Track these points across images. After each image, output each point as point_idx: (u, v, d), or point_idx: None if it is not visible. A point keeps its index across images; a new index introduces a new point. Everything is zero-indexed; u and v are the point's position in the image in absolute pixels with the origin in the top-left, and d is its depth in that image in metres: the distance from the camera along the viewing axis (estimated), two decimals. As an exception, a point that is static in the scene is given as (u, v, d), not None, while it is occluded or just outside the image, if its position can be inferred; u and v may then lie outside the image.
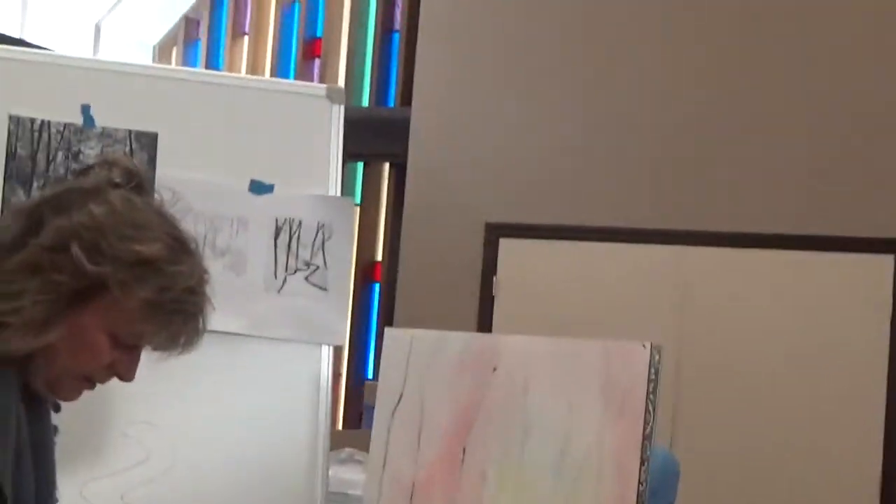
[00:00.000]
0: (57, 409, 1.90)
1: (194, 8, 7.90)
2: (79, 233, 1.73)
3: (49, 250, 1.73)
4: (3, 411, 1.73)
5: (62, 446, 1.96)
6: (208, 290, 1.83)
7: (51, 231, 1.74)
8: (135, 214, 1.78)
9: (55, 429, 1.92)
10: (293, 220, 3.11)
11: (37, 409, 1.83)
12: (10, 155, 2.91)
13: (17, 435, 1.75)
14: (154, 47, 7.86)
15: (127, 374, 1.83)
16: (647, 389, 2.35)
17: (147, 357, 1.86)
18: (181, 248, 1.81)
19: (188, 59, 7.82)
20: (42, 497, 1.84)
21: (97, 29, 7.76)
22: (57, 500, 1.92)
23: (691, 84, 5.69)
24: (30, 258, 1.73)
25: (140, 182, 1.84)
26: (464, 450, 2.56)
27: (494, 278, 5.84)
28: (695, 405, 5.37)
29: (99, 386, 1.85)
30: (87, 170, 1.87)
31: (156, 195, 1.89)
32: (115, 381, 1.86)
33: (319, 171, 3.19)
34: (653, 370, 2.35)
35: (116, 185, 1.81)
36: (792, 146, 5.49)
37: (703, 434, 5.34)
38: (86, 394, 1.86)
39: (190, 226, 1.91)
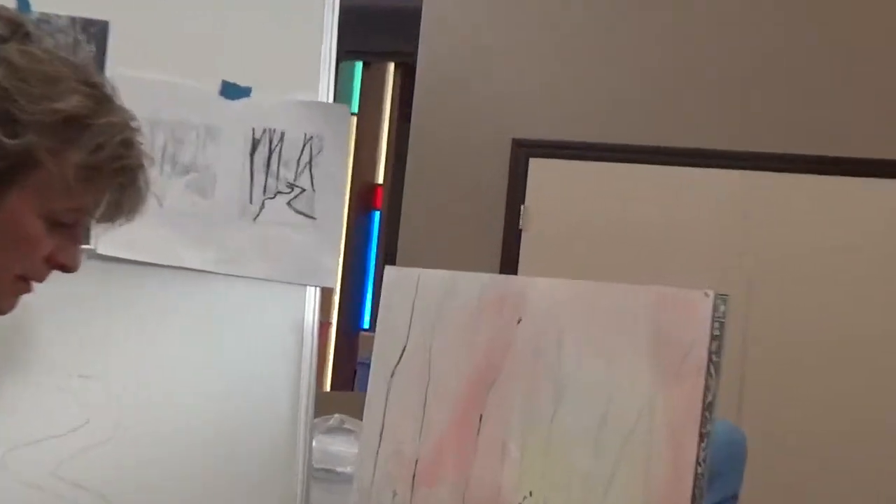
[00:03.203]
0: None
1: None
2: None
3: None
4: None
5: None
6: (141, 139, 1.85)
7: None
8: (40, 67, 1.76)
9: None
10: (274, 131, 3.10)
11: None
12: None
13: None
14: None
15: (72, 262, 1.85)
16: (709, 348, 2.32)
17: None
18: (102, 96, 1.82)
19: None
20: None
21: None
22: None
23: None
24: None
25: (27, 29, 1.82)
26: (480, 418, 2.55)
27: (522, 207, 5.83)
28: (766, 368, 5.36)
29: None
30: None
31: (49, 38, 1.86)
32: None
33: (308, 71, 3.17)
34: (716, 324, 2.32)
35: (3, 41, 1.78)
36: (873, 64, 5.48)
37: (775, 403, 5.34)
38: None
39: (147, 135, 1.89)
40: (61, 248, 1.82)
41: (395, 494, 2.66)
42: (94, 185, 1.79)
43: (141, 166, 1.84)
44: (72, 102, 1.75)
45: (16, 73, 1.73)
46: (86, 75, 1.82)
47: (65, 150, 1.75)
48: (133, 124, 1.83)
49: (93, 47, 2.99)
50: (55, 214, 1.79)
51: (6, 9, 1.87)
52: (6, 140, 1.71)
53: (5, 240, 1.77)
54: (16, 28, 1.80)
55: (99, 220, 1.85)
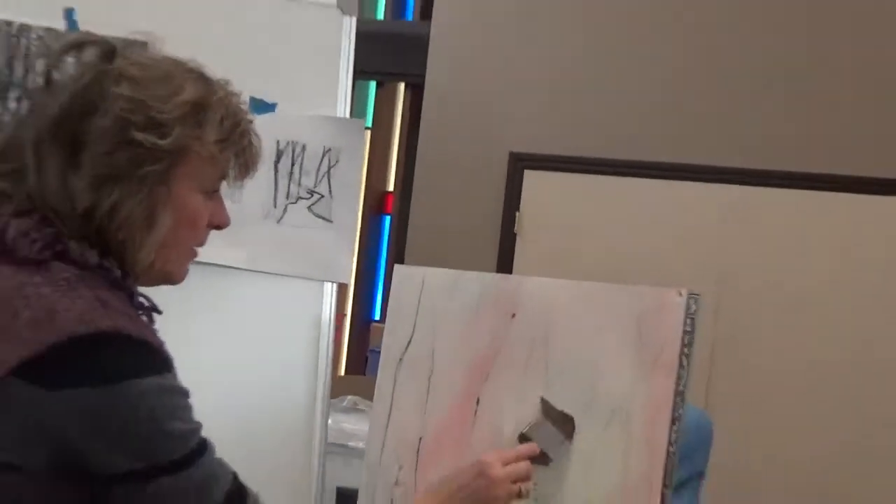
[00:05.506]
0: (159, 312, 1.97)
1: None
2: (128, 119, 1.78)
3: (115, 152, 1.78)
4: None
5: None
6: (239, 98, 1.93)
7: (99, 135, 1.78)
8: (151, 72, 1.84)
9: None
10: (296, 143, 3.10)
11: None
12: (-14, 62, 2.89)
13: None
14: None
15: (226, 220, 1.96)
16: (682, 342, 2.33)
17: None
18: (202, 74, 1.89)
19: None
20: None
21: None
22: None
23: (739, 8, 5.64)
24: (100, 170, 1.78)
25: (115, 46, 1.88)
26: (477, 402, 2.56)
27: (518, 214, 5.82)
28: (733, 361, 5.35)
29: None
30: (50, 74, 1.89)
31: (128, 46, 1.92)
32: None
33: (327, 89, 3.18)
34: (689, 320, 2.34)
35: (107, 60, 1.85)
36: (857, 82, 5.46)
37: (741, 394, 5.33)
38: None
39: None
40: (215, 212, 1.92)
41: (400, 468, 2.66)
42: (229, 151, 1.88)
43: (251, 122, 1.93)
44: (192, 89, 1.84)
45: (138, 83, 1.81)
46: (179, 61, 1.89)
47: (202, 132, 1.83)
48: (228, 87, 1.91)
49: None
50: (208, 186, 1.89)
51: (85, 34, 1.93)
52: (162, 142, 1.79)
53: (182, 222, 1.86)
54: (109, 48, 1.87)
55: (235, 180, 1.94)
